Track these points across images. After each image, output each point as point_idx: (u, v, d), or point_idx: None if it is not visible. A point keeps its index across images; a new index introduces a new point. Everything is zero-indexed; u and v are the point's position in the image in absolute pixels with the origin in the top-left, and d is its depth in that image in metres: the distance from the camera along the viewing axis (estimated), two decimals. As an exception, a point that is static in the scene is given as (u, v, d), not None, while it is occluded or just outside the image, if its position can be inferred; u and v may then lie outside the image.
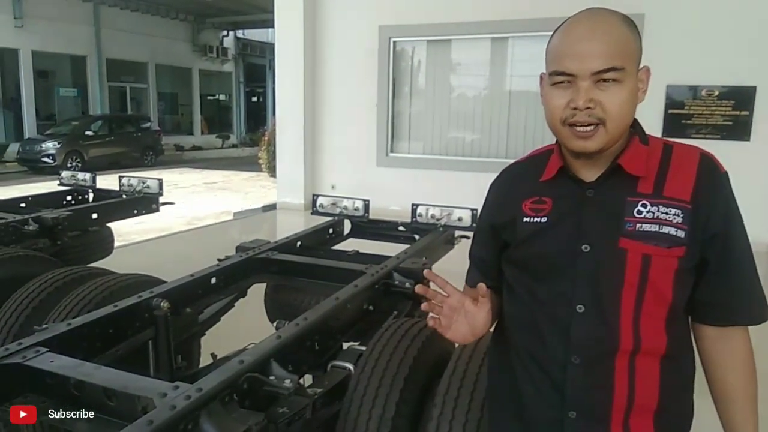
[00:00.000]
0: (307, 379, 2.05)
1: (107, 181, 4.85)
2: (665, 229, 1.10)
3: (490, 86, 8.63)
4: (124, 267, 2.93)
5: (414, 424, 1.83)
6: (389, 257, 2.79)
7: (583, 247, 1.14)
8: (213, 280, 2.55)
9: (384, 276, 2.52)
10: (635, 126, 1.19)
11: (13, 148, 16.83)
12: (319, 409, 1.79)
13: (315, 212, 3.70)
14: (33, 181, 12.80)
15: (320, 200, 3.68)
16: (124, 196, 4.58)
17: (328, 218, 3.63)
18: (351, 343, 2.25)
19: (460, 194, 5.79)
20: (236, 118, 27.59)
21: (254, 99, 29.29)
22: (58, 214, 3.69)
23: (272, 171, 12.04)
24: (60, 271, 2.63)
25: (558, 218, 1.18)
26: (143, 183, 4.57)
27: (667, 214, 1.11)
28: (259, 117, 28.19)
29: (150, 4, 21.02)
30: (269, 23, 21.66)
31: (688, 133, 7.07)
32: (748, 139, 6.93)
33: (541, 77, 1.20)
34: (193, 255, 5.79)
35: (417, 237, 3.45)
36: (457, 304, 1.18)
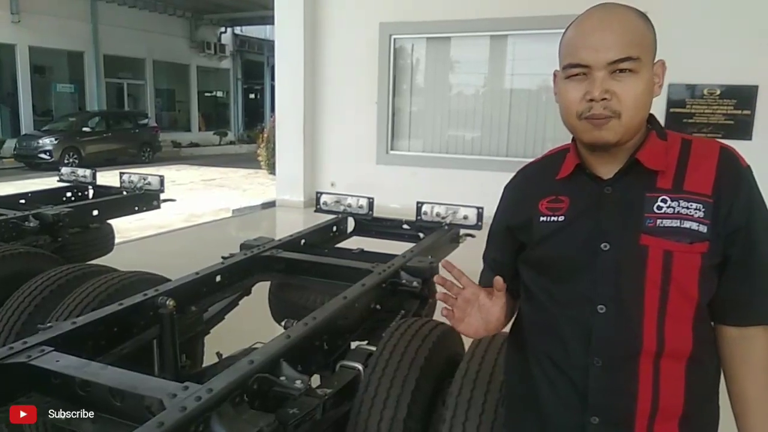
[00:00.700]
0: (314, 379, 2.03)
1: (105, 178, 4.81)
2: (687, 224, 1.08)
3: (490, 84, 8.61)
4: (125, 264, 2.90)
5: (425, 425, 1.80)
6: (395, 256, 2.77)
7: (602, 245, 1.12)
8: (218, 278, 2.53)
9: (391, 275, 2.49)
10: (652, 121, 1.17)
11: (10, 144, 16.72)
12: (328, 409, 1.76)
13: (319, 210, 3.67)
14: (30, 178, 12.74)
15: (324, 198, 3.65)
16: (124, 193, 4.54)
17: (331, 216, 3.60)
18: (358, 343, 2.22)
19: (460, 192, 5.79)
20: (234, 115, 27.53)
21: (252, 96, 29.24)
22: (59, 210, 3.65)
23: (271, 168, 11.99)
24: (62, 268, 2.59)
25: (575, 217, 1.16)
26: (144, 180, 4.53)
27: (688, 208, 1.08)
28: (256, 114, 28.14)
29: (148, 0, 20.92)
30: (267, 20, 21.70)
31: (690, 132, 7.03)
32: (750, 138, 6.95)
33: (555, 74, 1.18)
34: (194, 252, 5.76)
35: (421, 235, 3.43)
36: (472, 297, 1.17)
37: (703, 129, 7.13)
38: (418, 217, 3.46)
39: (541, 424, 1.22)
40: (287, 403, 1.63)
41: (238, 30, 26.37)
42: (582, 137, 1.13)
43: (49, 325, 1.90)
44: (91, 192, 4.73)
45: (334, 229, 3.52)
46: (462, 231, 3.41)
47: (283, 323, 2.07)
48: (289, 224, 8.38)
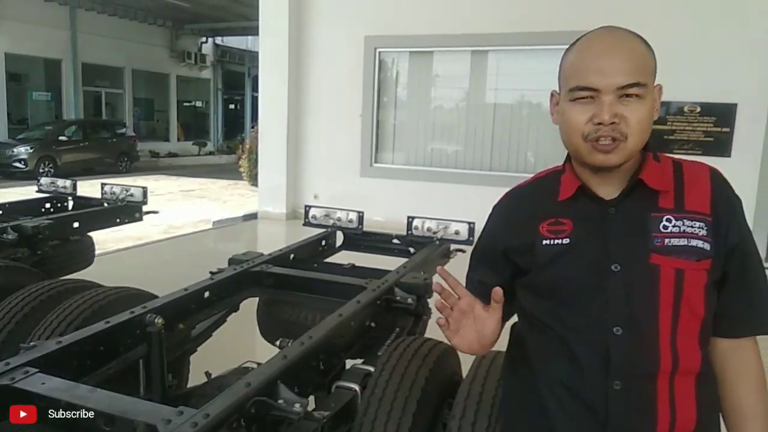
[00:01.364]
0: (309, 401, 1.97)
1: (82, 188, 4.68)
2: (693, 242, 1.11)
3: (473, 98, 8.65)
4: (106, 278, 2.81)
5: (426, 448, 1.76)
6: (388, 271, 2.72)
7: (612, 266, 1.12)
8: (207, 294, 2.45)
9: (385, 291, 2.44)
10: (647, 143, 1.18)
11: (-17, 152, 16.33)
12: (326, 433, 1.70)
13: (307, 223, 3.61)
14: (4, 187, 12.43)
15: (313, 211, 3.59)
16: (105, 204, 4.43)
17: (319, 230, 3.54)
18: (353, 362, 2.16)
19: (443, 205, 5.79)
20: (213, 126, 27.33)
21: (232, 106, 29.07)
22: (39, 222, 3.53)
23: (253, 179, 11.89)
24: (45, 283, 2.49)
25: (581, 239, 1.16)
26: (126, 191, 4.43)
27: (692, 227, 1.12)
28: (236, 124, 27.98)
29: (128, 9, 20.71)
30: (249, 31, 21.61)
31: (670, 149, 7.14)
32: (729, 156, 7.06)
33: (553, 94, 1.20)
34: (177, 265, 5.66)
35: (412, 250, 3.39)
36: (468, 308, 1.17)
37: (684, 146, 7.22)
38: (409, 232, 3.42)
39: None
40: (285, 427, 1.57)
41: (219, 40, 26.27)
42: (586, 159, 1.14)
43: (32, 344, 1.80)
44: (71, 203, 4.61)
45: (323, 243, 3.46)
46: (453, 246, 3.37)
47: (277, 342, 2.00)
48: (272, 237, 8.29)
